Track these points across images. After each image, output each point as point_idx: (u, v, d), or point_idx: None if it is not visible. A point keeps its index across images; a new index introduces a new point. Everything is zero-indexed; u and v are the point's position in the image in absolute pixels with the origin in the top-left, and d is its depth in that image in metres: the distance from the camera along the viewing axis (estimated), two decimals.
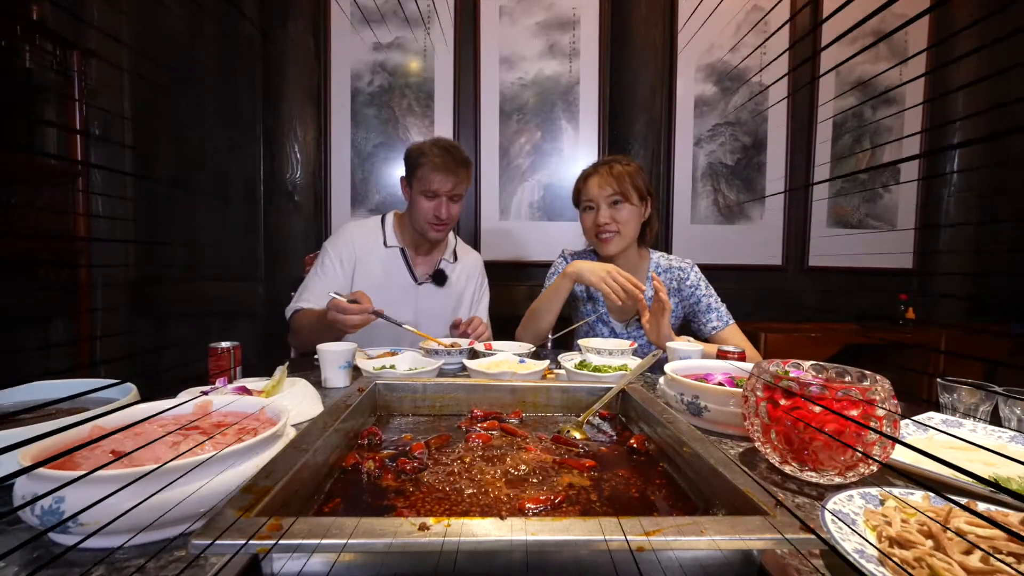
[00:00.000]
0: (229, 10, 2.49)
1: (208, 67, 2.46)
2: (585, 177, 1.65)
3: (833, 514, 0.54)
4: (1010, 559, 0.46)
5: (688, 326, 1.72)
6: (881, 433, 0.64)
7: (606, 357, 1.32)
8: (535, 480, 0.62)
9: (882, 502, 0.58)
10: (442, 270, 1.80)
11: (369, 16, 2.59)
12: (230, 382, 0.95)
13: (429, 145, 1.65)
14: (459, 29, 2.62)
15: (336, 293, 1.32)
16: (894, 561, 0.46)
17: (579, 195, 1.67)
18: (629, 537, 0.40)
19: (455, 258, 1.86)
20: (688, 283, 1.65)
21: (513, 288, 2.59)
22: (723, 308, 1.63)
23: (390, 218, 1.82)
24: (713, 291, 1.66)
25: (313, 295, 1.62)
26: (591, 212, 1.62)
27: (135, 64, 2.29)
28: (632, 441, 0.75)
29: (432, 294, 1.78)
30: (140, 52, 2.26)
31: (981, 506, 0.55)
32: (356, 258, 1.70)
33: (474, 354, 1.39)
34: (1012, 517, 0.51)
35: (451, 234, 1.88)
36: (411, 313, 1.74)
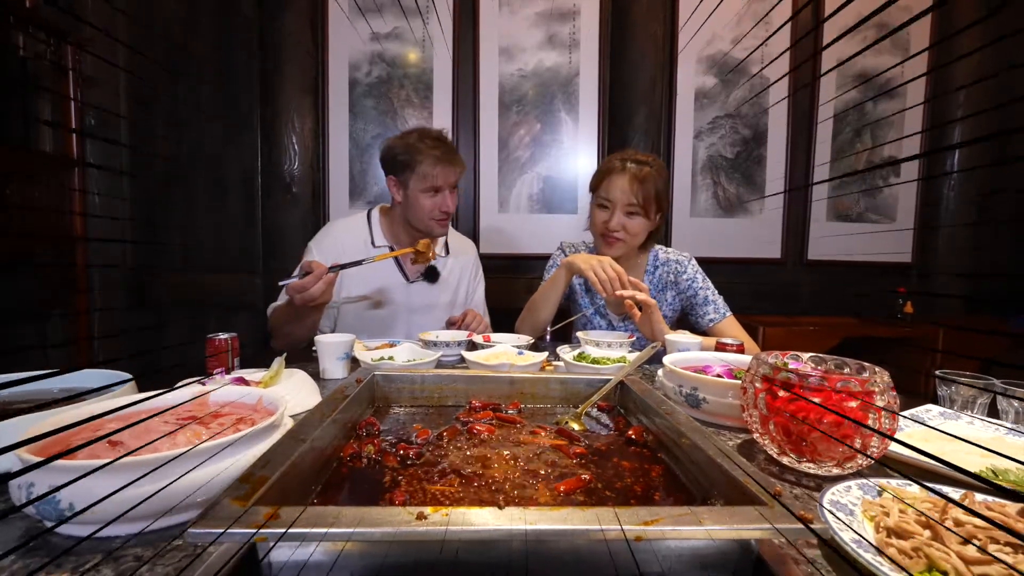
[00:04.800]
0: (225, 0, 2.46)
1: (204, 58, 2.44)
2: (610, 171, 1.56)
3: (831, 505, 0.54)
4: (1007, 549, 0.46)
5: (685, 319, 1.72)
6: (876, 431, 0.64)
7: (604, 349, 1.32)
8: (532, 470, 0.62)
9: (880, 493, 0.58)
10: (434, 266, 1.74)
11: (366, 6, 2.57)
12: (228, 373, 0.95)
13: (417, 139, 1.57)
14: (458, 19, 2.60)
15: (284, 282, 1.30)
16: (891, 552, 0.46)
17: (598, 185, 1.60)
18: (627, 527, 0.40)
19: (447, 251, 1.79)
20: (685, 276, 1.65)
21: (512, 281, 2.58)
22: (720, 300, 1.63)
23: (376, 215, 1.74)
24: (710, 284, 1.65)
25: None
26: (605, 211, 1.57)
27: (131, 55, 2.27)
28: (630, 432, 0.75)
29: (425, 291, 1.73)
30: (136, 43, 2.24)
31: (978, 496, 0.55)
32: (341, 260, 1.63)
33: (472, 346, 1.39)
34: (1010, 507, 0.52)
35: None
36: (404, 312, 1.70)
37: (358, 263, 1.40)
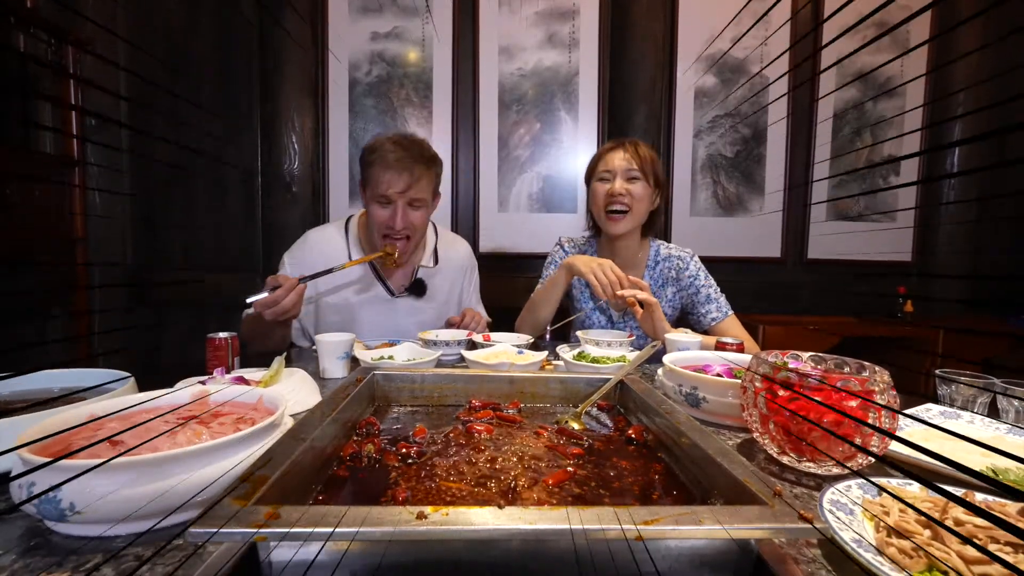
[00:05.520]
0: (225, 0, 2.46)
1: (204, 58, 2.43)
2: (607, 150, 1.60)
3: (831, 504, 0.54)
4: (1007, 549, 0.46)
5: (686, 318, 1.71)
6: (877, 429, 0.64)
7: (604, 348, 1.31)
8: (532, 469, 0.62)
9: (880, 492, 0.58)
10: (420, 280, 1.60)
11: (367, 5, 2.57)
12: (228, 372, 0.95)
13: (383, 140, 1.40)
14: (458, 19, 2.60)
15: (252, 299, 1.23)
16: (891, 552, 0.46)
17: (595, 168, 1.62)
18: (627, 526, 0.40)
19: (435, 261, 1.64)
20: (687, 273, 1.64)
21: (512, 280, 2.58)
22: (722, 299, 1.62)
23: (354, 225, 1.59)
24: (713, 281, 1.64)
25: None
26: (605, 183, 1.57)
27: (131, 55, 2.27)
28: (630, 432, 0.75)
29: (411, 306, 1.61)
30: (136, 42, 2.24)
31: (979, 496, 0.55)
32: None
33: (472, 345, 1.39)
34: (1010, 507, 0.52)
35: (430, 231, 1.68)
36: (390, 330, 1.57)
37: (328, 271, 1.33)
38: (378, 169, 1.38)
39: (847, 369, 0.75)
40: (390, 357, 1.20)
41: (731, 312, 1.61)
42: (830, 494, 0.56)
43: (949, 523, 0.49)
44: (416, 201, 1.43)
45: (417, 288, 1.60)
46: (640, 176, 1.55)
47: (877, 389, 0.65)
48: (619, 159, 1.56)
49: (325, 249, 1.55)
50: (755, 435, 0.73)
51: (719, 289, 1.63)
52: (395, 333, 1.57)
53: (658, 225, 1.70)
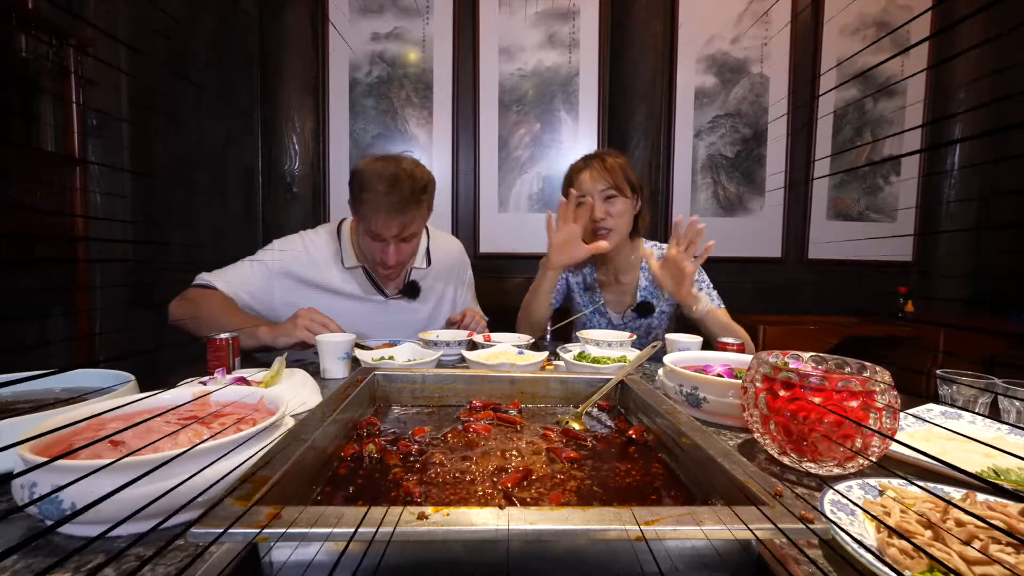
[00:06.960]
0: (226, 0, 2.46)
1: (205, 57, 2.44)
2: (576, 171, 1.62)
3: (832, 505, 0.54)
4: (1008, 549, 0.46)
5: (677, 307, 1.70)
6: (876, 431, 0.64)
7: (605, 348, 1.31)
8: (533, 470, 0.62)
9: (881, 493, 0.58)
10: (414, 282, 1.62)
11: (366, 6, 2.57)
12: (229, 373, 0.95)
13: (374, 176, 1.36)
14: (458, 19, 2.60)
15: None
16: (892, 553, 0.46)
17: (569, 189, 1.62)
18: (627, 527, 0.40)
19: (428, 263, 1.66)
20: None
21: (511, 280, 2.59)
22: (714, 293, 1.62)
23: (346, 229, 1.58)
24: (705, 276, 1.64)
25: (235, 281, 1.47)
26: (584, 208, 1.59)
27: (131, 55, 2.27)
28: (631, 432, 0.75)
29: (406, 308, 1.63)
30: (136, 43, 2.24)
31: (980, 496, 0.55)
32: (304, 281, 1.50)
33: (473, 345, 1.39)
34: (1012, 508, 0.51)
35: (423, 232, 1.67)
36: (383, 330, 1.58)
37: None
38: (370, 209, 1.37)
39: (847, 369, 0.75)
40: (391, 357, 1.20)
41: (722, 305, 1.61)
42: (831, 495, 0.56)
43: (950, 524, 0.49)
44: (408, 235, 1.43)
45: (411, 290, 1.62)
46: (616, 192, 1.56)
47: (878, 389, 0.65)
48: (590, 180, 1.57)
49: (318, 252, 1.55)
50: (756, 435, 0.73)
51: (711, 284, 1.64)
52: (390, 335, 1.57)
53: (645, 224, 1.70)
